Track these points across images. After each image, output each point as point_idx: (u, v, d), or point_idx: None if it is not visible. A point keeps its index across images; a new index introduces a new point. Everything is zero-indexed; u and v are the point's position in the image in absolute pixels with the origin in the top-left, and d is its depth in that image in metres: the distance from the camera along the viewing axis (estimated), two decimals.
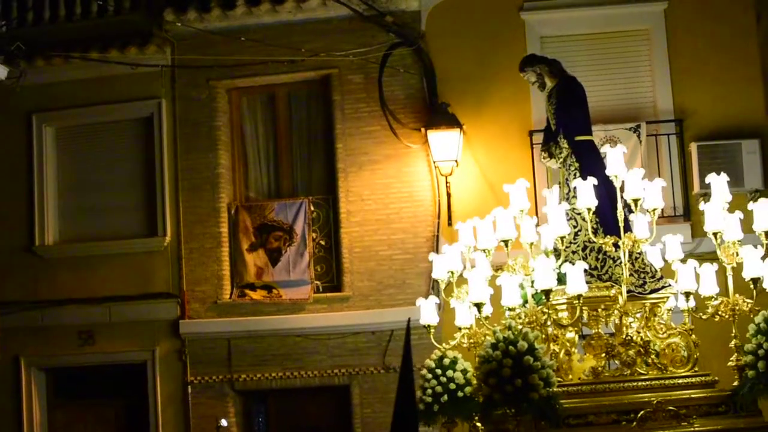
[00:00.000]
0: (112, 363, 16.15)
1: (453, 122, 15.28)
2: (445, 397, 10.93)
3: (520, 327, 10.10)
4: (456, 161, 15.25)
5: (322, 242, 15.89)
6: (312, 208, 15.86)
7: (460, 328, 11.33)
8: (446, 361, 11.10)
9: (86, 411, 16.41)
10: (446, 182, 15.29)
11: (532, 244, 11.11)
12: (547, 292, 10.24)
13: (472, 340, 11.14)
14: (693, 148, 14.80)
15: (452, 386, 10.95)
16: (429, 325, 11.29)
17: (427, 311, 11.34)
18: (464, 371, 11.06)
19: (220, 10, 15.99)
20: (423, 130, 15.41)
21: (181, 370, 15.86)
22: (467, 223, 11.43)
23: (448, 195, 15.24)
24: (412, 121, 15.62)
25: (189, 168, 16.16)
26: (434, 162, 15.32)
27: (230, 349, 15.76)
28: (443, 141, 15.23)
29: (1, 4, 16.14)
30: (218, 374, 15.74)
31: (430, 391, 10.99)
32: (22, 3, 16.75)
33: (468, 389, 10.97)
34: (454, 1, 15.74)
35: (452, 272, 11.29)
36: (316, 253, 15.81)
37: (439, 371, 11.05)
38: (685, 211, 14.83)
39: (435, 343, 11.29)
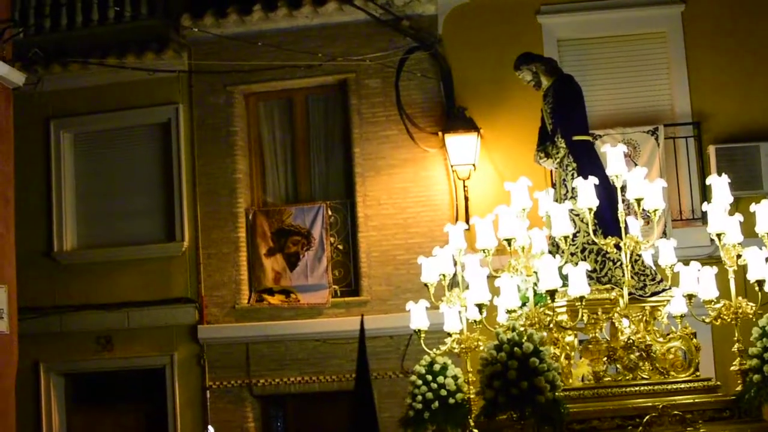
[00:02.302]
0: (130, 368, 16.20)
1: (470, 126, 15.28)
2: (436, 403, 10.82)
3: (522, 328, 9.87)
4: (473, 165, 15.25)
5: (340, 247, 15.90)
6: (330, 213, 15.87)
7: (449, 334, 11.16)
8: (436, 367, 10.98)
9: (105, 416, 16.43)
10: (464, 186, 15.29)
11: (524, 247, 10.80)
12: (552, 293, 10.04)
13: (463, 346, 10.98)
14: (711, 150, 14.77)
15: (443, 393, 10.84)
16: (419, 330, 11.18)
17: (417, 315, 11.22)
18: (455, 377, 10.95)
19: (237, 15, 16.02)
20: (440, 134, 15.41)
21: (200, 375, 15.88)
22: (458, 225, 11.28)
23: (466, 199, 15.24)
24: (430, 125, 15.62)
25: (206, 173, 16.19)
26: (452, 166, 15.32)
27: (248, 353, 15.77)
28: (461, 145, 15.22)
29: (18, 10, 16.18)
30: (237, 379, 15.76)
31: (420, 397, 10.87)
32: (40, 9, 16.81)
33: (459, 396, 10.88)
34: (471, 5, 15.74)
35: (444, 275, 11.13)
36: (333, 258, 15.81)
37: (429, 377, 10.94)
38: (704, 214, 14.75)
39: (426, 349, 11.20)
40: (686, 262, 10.88)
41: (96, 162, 16.77)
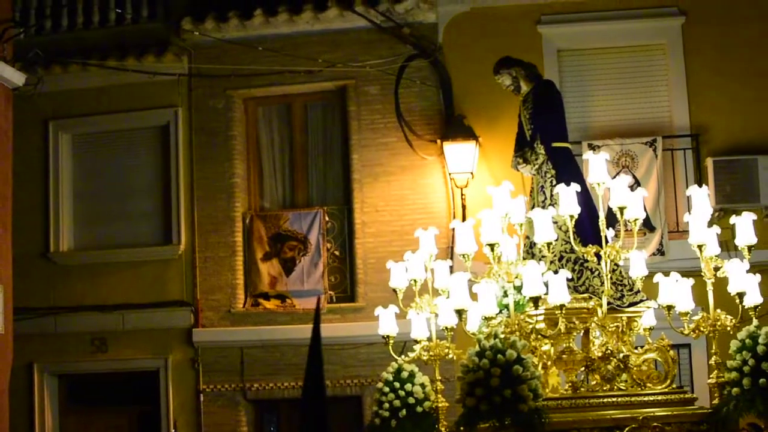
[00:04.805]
0: (124, 370, 16.19)
1: (469, 134, 15.29)
2: (404, 411, 10.70)
3: (503, 336, 9.72)
4: (471, 173, 15.25)
5: (337, 252, 15.90)
6: (327, 219, 15.87)
7: (417, 341, 11.00)
8: (404, 374, 10.87)
9: (98, 418, 16.42)
10: (461, 194, 15.29)
11: (496, 255, 10.53)
12: (536, 300, 9.88)
13: (431, 353, 10.82)
14: (709, 163, 14.78)
15: (411, 400, 10.72)
16: (388, 336, 11.05)
17: (386, 321, 11.08)
18: (423, 385, 10.83)
19: (238, 19, 16.03)
20: (439, 141, 15.42)
21: (194, 378, 15.88)
22: (429, 230, 11.14)
23: (464, 207, 15.23)
24: (428, 133, 15.63)
25: (204, 177, 16.19)
26: (450, 174, 15.33)
27: (243, 358, 15.77)
28: (459, 153, 15.23)
29: (19, 11, 16.19)
30: (231, 383, 15.76)
31: (387, 405, 10.75)
32: (41, 10, 16.82)
33: (427, 404, 10.76)
34: (472, 13, 15.76)
35: (414, 281, 10.99)
36: (330, 264, 15.82)
37: (397, 385, 10.82)
38: None
39: (394, 355, 11.13)
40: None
41: (94, 164, 16.76)
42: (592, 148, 14.87)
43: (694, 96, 15.20)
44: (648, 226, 14.60)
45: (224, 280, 15.96)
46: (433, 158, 15.57)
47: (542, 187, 11.30)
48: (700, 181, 14.85)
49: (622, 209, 10.04)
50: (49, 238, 16.47)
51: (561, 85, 15.26)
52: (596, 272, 10.61)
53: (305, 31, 16.07)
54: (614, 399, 10.24)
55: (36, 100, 15.31)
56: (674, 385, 10.54)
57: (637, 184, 14.71)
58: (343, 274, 15.88)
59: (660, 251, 14.64)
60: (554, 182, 10.98)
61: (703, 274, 10.30)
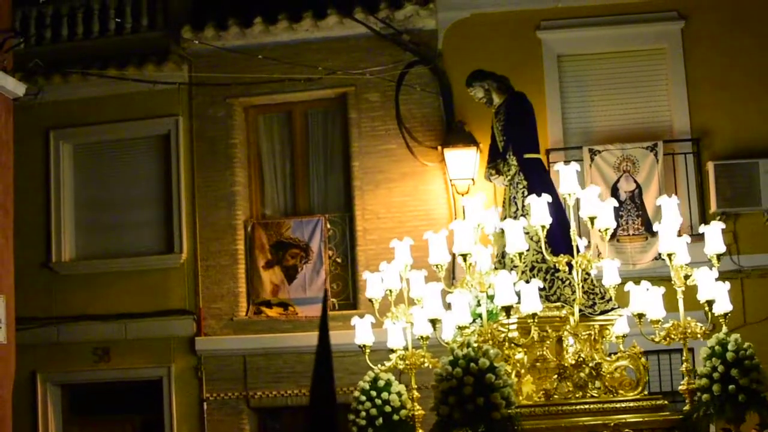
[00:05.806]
0: (127, 379, 16.19)
1: (469, 140, 15.29)
2: (380, 420, 10.79)
3: (476, 345, 9.76)
4: (472, 179, 15.25)
5: (338, 260, 15.90)
6: (328, 226, 15.88)
7: (393, 350, 11.08)
8: (380, 383, 10.95)
9: (102, 427, 16.41)
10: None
11: (470, 264, 10.58)
12: (508, 309, 9.94)
13: (407, 362, 10.89)
14: (710, 167, 14.78)
15: (387, 409, 10.82)
16: (365, 345, 11.11)
17: (362, 331, 11.14)
18: (399, 394, 10.92)
19: (238, 28, 16.04)
20: (439, 148, 15.43)
21: (197, 387, 15.88)
22: (404, 240, 11.19)
23: (465, 213, 15.21)
24: (429, 140, 15.64)
25: (206, 185, 16.20)
26: (450, 180, 15.33)
27: (246, 366, 15.77)
28: (460, 159, 15.24)
29: (19, 21, 16.21)
30: (234, 391, 15.75)
31: (364, 413, 10.84)
32: (41, 20, 16.85)
33: (403, 412, 10.84)
34: (471, 20, 15.76)
35: (390, 290, 11.07)
36: (332, 271, 15.82)
37: (373, 393, 10.91)
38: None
39: (370, 364, 11.14)
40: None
41: (95, 173, 16.78)
42: (593, 153, 14.91)
43: (695, 100, 15.20)
44: (649, 230, 14.60)
45: (226, 288, 15.97)
46: (434, 165, 15.57)
47: (514, 197, 11.41)
48: (701, 185, 14.87)
49: (592, 219, 10.15)
50: (50, 248, 16.49)
51: (561, 90, 15.33)
52: (567, 281, 10.70)
53: (305, 38, 16.09)
54: (587, 406, 10.35)
55: (37, 110, 15.36)
56: (645, 392, 10.63)
57: (638, 188, 14.76)
58: (345, 281, 15.88)
59: (661, 256, 14.59)
60: (526, 193, 11.09)
61: (673, 282, 10.35)
